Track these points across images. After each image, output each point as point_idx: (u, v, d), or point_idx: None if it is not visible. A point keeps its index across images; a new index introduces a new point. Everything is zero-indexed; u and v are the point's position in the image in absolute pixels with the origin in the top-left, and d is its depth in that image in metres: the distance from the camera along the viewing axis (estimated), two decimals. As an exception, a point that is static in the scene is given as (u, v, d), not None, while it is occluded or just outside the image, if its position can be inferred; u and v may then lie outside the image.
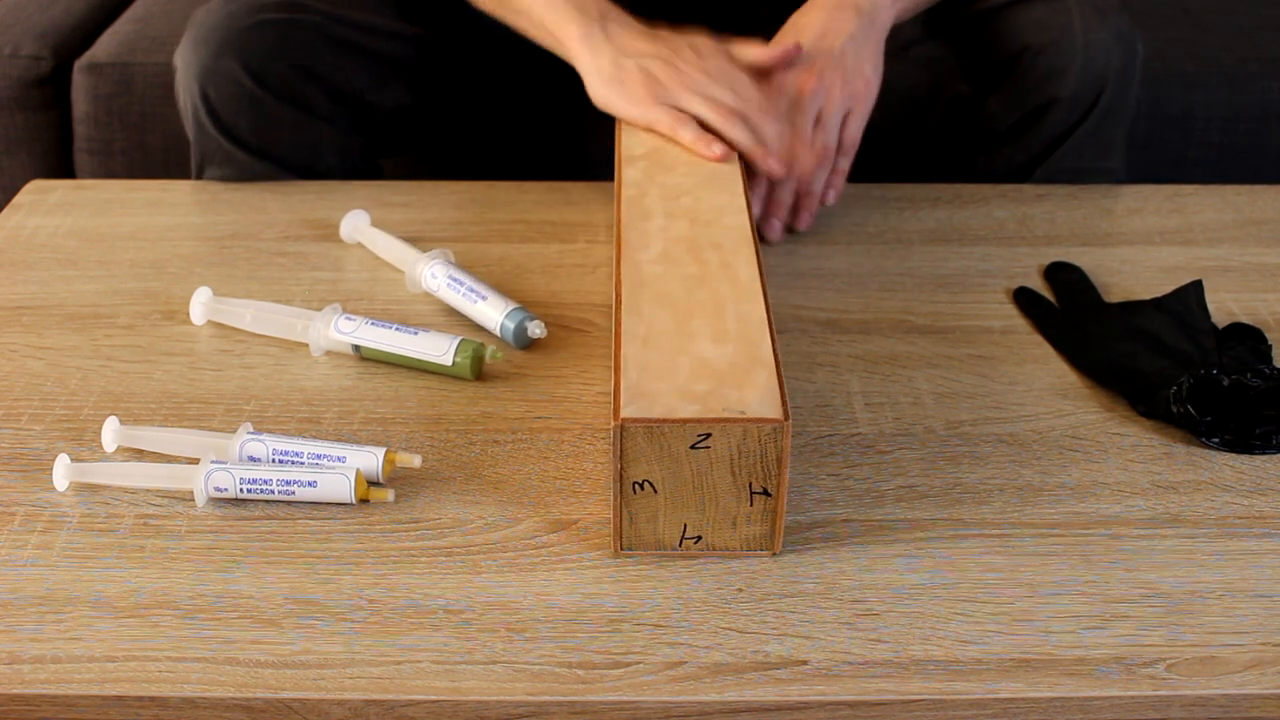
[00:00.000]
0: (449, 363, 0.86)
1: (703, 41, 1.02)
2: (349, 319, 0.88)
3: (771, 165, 0.99)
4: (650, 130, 0.99)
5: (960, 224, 1.08)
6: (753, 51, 1.03)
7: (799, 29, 1.05)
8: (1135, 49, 1.14)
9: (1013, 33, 1.13)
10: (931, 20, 1.19)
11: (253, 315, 0.91)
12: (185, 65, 1.11)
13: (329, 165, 1.17)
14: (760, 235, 1.04)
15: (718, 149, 0.96)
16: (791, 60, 1.02)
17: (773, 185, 1.04)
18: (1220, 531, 0.75)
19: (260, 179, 1.14)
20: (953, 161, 1.18)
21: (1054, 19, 1.12)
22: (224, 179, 1.14)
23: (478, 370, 0.86)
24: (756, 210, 1.05)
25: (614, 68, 1.00)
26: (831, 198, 1.06)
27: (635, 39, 1.02)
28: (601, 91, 1.01)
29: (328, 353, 0.89)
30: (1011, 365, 0.90)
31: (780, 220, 1.05)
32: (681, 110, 0.98)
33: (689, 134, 0.97)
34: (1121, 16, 1.14)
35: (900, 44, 1.06)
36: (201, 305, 0.92)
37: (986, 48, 1.16)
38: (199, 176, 1.16)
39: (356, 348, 0.88)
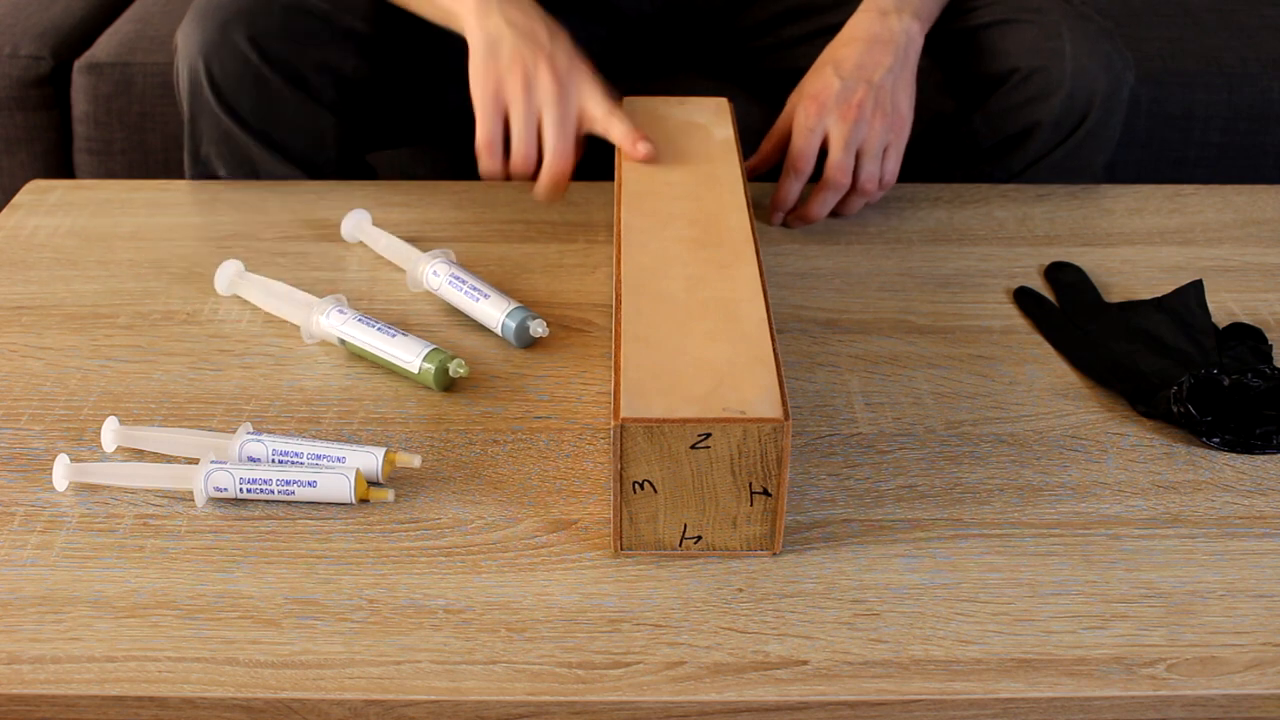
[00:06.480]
0: (415, 370, 0.85)
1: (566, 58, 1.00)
2: (342, 312, 0.88)
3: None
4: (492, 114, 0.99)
5: (960, 224, 1.08)
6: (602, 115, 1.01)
7: (836, 61, 1.05)
8: (1123, 76, 1.13)
9: (1003, 53, 1.13)
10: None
11: (266, 293, 0.92)
12: (188, 39, 1.09)
13: (328, 157, 1.15)
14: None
15: (644, 148, 0.97)
16: None
17: (784, 178, 1.06)
18: (1220, 531, 0.75)
19: (254, 163, 1.13)
20: (935, 175, 1.18)
21: (1045, 43, 1.11)
22: (218, 159, 1.13)
23: (443, 381, 0.85)
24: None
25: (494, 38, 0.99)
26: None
27: (520, 15, 1.00)
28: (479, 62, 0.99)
29: (327, 352, 0.89)
30: (1011, 365, 0.90)
31: (782, 213, 1.07)
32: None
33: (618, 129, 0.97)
34: (1114, 41, 1.14)
35: None
36: (227, 279, 0.94)
37: (974, 65, 1.15)
38: (193, 161, 1.14)
39: (343, 341, 0.88)
